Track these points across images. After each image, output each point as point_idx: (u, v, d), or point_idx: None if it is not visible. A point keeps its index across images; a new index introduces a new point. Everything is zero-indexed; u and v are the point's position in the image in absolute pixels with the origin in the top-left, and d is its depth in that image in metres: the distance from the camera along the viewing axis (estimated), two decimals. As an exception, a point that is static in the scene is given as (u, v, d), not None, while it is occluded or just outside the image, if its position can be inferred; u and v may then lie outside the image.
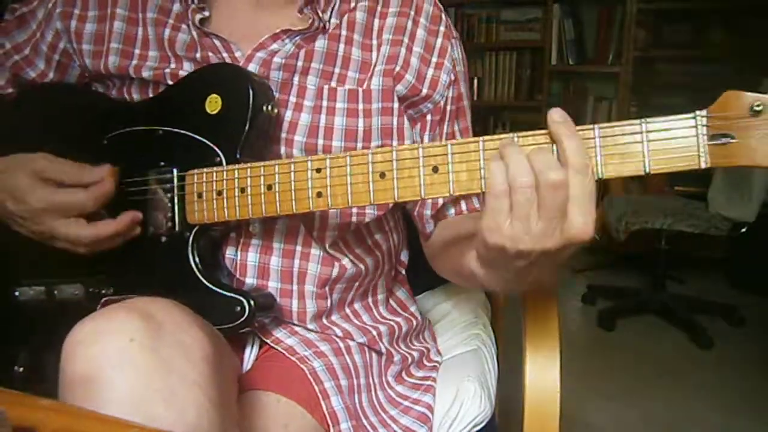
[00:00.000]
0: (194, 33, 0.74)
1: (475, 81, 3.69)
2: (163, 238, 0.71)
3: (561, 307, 0.77)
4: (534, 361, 0.73)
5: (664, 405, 1.92)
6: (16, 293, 0.75)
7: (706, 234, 2.30)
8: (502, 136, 0.54)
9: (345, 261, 0.76)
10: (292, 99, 0.73)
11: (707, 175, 2.43)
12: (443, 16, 0.79)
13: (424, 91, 0.75)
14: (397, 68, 0.74)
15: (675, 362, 2.23)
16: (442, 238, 0.79)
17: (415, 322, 0.87)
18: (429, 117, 0.78)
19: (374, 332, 0.79)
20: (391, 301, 0.88)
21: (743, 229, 2.26)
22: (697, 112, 0.50)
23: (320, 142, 0.72)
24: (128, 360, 0.47)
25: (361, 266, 0.78)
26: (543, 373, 0.72)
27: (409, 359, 0.83)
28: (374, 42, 0.76)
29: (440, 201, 0.78)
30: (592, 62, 3.48)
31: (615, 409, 1.90)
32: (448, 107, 0.78)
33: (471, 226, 0.72)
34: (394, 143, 0.75)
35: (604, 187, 3.39)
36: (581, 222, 0.49)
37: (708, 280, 3.04)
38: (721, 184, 2.33)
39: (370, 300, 0.84)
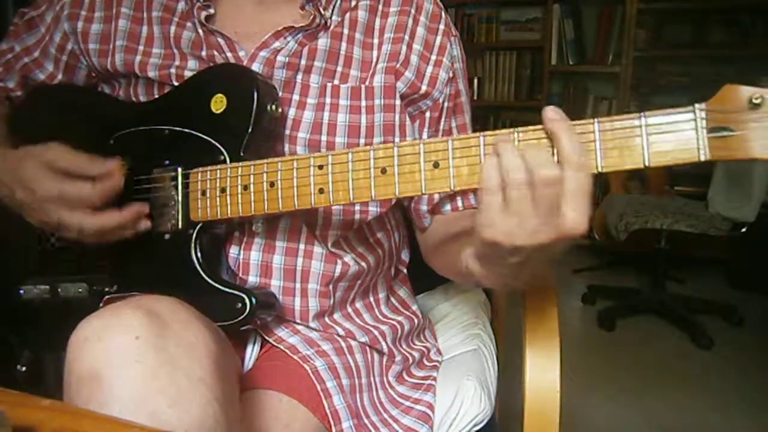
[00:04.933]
0: (200, 30, 0.74)
1: (475, 81, 3.69)
2: (167, 236, 0.71)
3: (561, 307, 0.77)
4: (534, 361, 0.73)
5: (664, 405, 1.92)
6: (21, 291, 0.76)
7: (706, 234, 2.30)
8: (502, 131, 0.54)
9: (348, 258, 0.77)
10: (296, 97, 0.74)
11: (707, 175, 2.43)
12: (443, 14, 0.80)
13: (424, 88, 0.76)
14: (398, 65, 0.75)
15: (675, 362, 2.23)
16: (438, 235, 0.80)
17: (416, 321, 0.88)
18: (428, 114, 0.79)
19: (376, 332, 0.79)
20: (392, 300, 0.88)
21: (743, 229, 2.26)
22: (696, 106, 0.50)
23: (323, 138, 0.73)
24: (134, 357, 0.47)
25: (364, 264, 0.79)
26: (543, 373, 0.72)
27: (410, 359, 0.83)
28: (375, 41, 0.77)
29: (436, 197, 0.79)
30: (592, 62, 3.48)
31: (615, 408, 1.90)
32: (445, 104, 0.79)
33: (467, 223, 0.72)
34: (396, 140, 0.76)
35: (604, 187, 3.40)
36: (573, 216, 0.49)
37: (708, 280, 3.04)
38: (721, 184, 2.33)
39: (371, 298, 0.84)
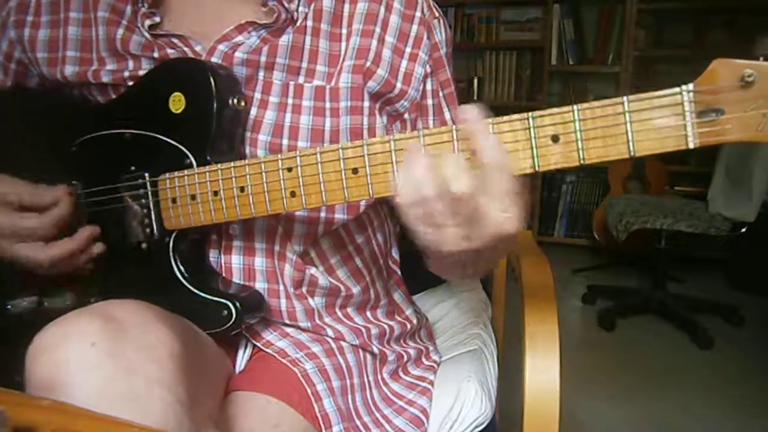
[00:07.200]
0: (147, 36, 0.70)
1: (475, 81, 3.69)
2: (144, 246, 0.69)
3: (561, 307, 0.77)
4: (534, 361, 0.73)
5: (664, 405, 1.92)
6: (8, 307, 0.74)
7: (706, 234, 2.29)
8: (443, 128, 0.52)
9: (314, 271, 0.73)
10: (257, 95, 0.69)
11: (707, 175, 2.42)
12: None
13: (398, 86, 0.70)
14: (368, 63, 0.69)
15: (675, 362, 2.23)
16: None
17: (409, 326, 0.86)
18: (407, 116, 0.73)
19: (367, 333, 0.78)
20: (387, 305, 0.86)
21: (743, 229, 2.26)
22: (683, 86, 0.46)
23: (285, 142, 0.68)
24: (90, 364, 0.46)
25: (339, 285, 0.75)
26: (543, 373, 0.72)
27: (405, 357, 0.82)
28: (344, 31, 0.71)
29: None
30: (592, 62, 3.48)
31: (615, 408, 1.90)
32: (428, 102, 0.74)
33: None
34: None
35: (604, 187, 3.40)
36: (502, 217, 0.47)
37: (708, 280, 3.04)
38: (721, 184, 2.33)
39: (366, 306, 0.82)
